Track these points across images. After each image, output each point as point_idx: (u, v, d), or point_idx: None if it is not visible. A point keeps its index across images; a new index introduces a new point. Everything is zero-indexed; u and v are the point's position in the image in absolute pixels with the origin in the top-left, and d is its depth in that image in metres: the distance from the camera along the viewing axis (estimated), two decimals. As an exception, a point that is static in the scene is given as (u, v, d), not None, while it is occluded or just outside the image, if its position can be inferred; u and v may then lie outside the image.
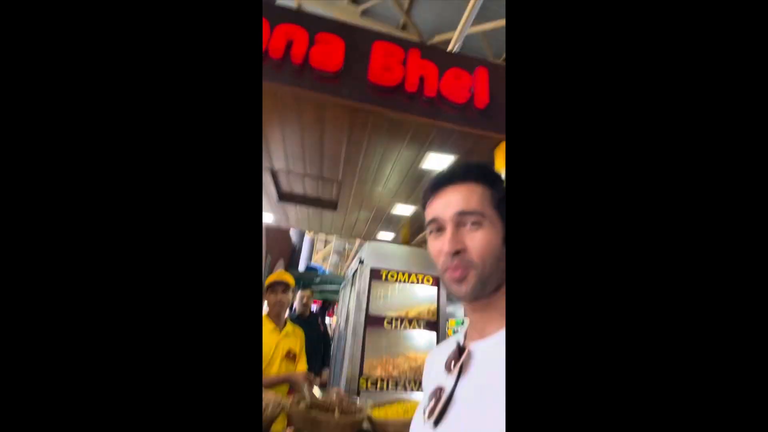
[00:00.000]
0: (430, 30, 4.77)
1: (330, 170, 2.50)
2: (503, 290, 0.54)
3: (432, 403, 0.53)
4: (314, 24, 1.78)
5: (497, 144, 1.98)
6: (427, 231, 0.58)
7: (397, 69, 1.78)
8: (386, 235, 4.07)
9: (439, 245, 0.55)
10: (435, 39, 4.77)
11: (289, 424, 1.47)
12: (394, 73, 1.77)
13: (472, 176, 0.57)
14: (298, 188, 3.07)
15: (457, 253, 0.52)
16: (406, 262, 2.57)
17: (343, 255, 14.19)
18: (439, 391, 0.54)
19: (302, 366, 1.89)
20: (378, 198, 3.00)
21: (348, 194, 2.98)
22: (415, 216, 3.47)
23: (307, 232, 9.05)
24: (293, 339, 1.89)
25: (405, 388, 2.30)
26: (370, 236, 4.13)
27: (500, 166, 1.89)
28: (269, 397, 1.50)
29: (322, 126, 2.00)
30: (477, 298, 0.53)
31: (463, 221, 0.54)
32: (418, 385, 2.33)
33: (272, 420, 1.36)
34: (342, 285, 3.94)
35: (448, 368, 0.55)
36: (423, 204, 0.61)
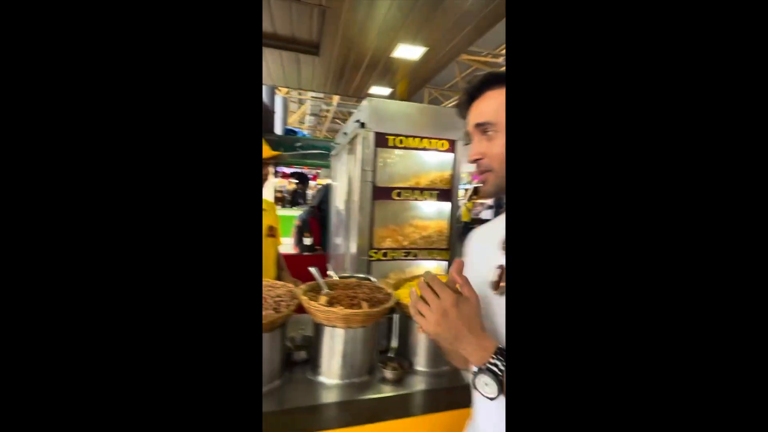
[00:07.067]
0: None
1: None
2: None
3: (497, 278, 0.64)
4: None
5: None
6: (475, 129, 0.65)
7: None
8: (380, 90, 3.47)
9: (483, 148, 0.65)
10: None
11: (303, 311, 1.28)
12: None
13: (501, 80, 0.62)
14: (266, 23, 2.38)
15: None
16: (416, 123, 2.10)
17: (320, 116, 13.25)
18: (501, 267, 0.64)
19: (280, 240, 1.81)
20: (375, 35, 2.38)
21: (335, 30, 2.33)
22: (423, 61, 2.86)
23: (277, 89, 7.87)
24: (270, 214, 1.75)
25: (415, 257, 2.18)
26: (360, 92, 3.54)
27: None
28: (277, 290, 1.29)
29: None
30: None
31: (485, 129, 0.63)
32: (426, 253, 2.21)
33: (288, 317, 1.16)
34: (334, 152, 3.45)
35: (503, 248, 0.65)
36: (468, 102, 0.66)
